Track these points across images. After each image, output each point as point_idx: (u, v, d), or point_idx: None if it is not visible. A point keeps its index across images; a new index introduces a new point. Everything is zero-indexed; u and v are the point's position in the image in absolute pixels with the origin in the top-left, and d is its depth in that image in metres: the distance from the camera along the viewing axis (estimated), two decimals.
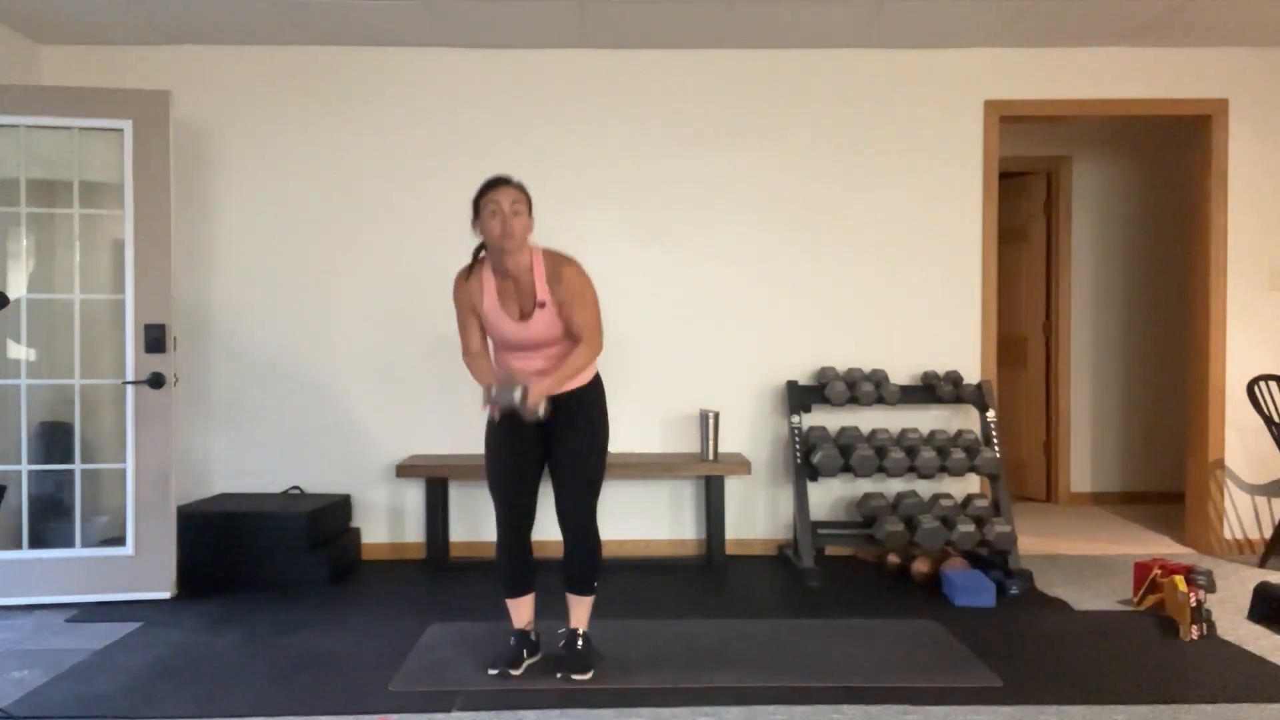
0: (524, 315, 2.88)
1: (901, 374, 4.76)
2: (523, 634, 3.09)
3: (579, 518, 2.97)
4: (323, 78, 4.66)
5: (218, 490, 4.67)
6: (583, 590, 3.03)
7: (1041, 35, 4.54)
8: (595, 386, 3.03)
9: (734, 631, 3.45)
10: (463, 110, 4.68)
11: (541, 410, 2.79)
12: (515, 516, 3.01)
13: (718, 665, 3.08)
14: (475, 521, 4.71)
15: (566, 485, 2.96)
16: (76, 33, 4.45)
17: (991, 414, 4.52)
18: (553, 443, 2.99)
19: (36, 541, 3.95)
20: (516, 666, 3.01)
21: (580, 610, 3.05)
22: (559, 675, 2.96)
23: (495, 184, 2.82)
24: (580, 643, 3.02)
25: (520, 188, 2.85)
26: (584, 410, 2.98)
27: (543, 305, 2.85)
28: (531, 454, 3.01)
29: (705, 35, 4.50)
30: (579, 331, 2.88)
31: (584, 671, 2.95)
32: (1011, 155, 6.03)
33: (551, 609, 3.62)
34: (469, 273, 2.95)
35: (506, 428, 2.97)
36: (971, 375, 4.76)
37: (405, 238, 4.68)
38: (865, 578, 4.28)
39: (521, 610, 3.09)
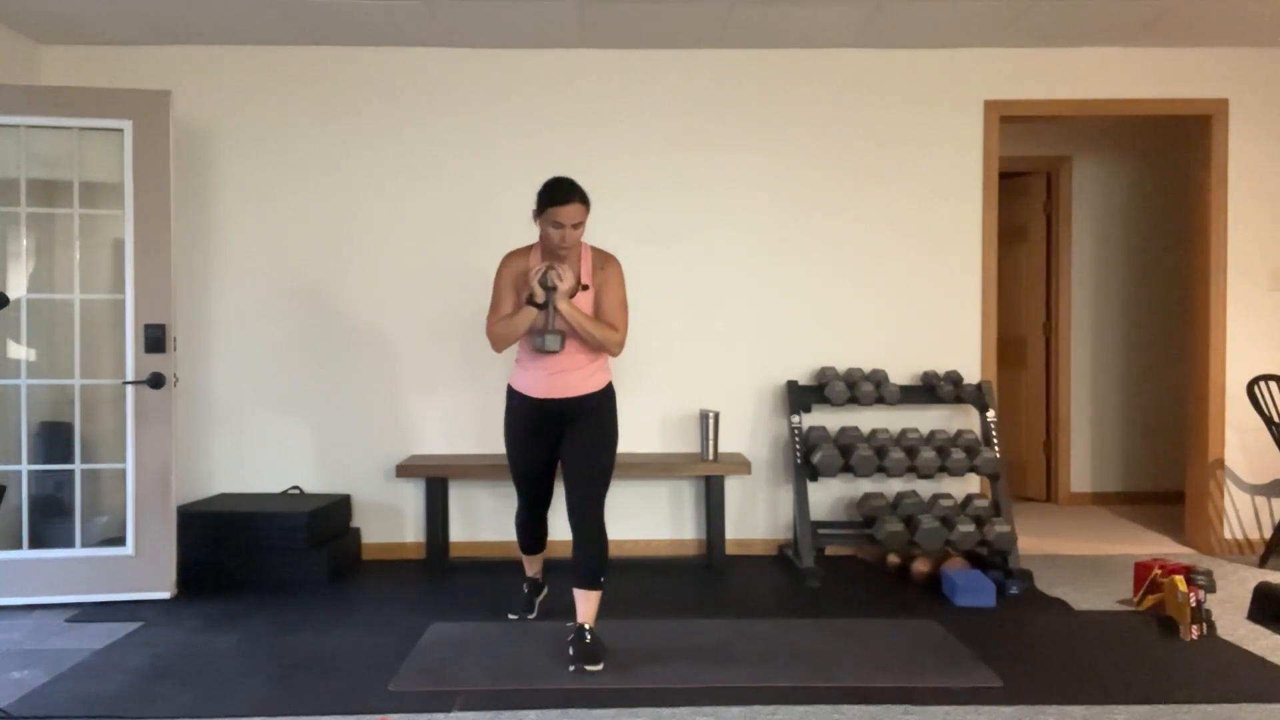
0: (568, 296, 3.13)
1: (901, 374, 4.76)
2: (534, 580, 3.66)
3: (589, 514, 3.17)
4: (323, 78, 4.66)
5: (218, 490, 4.67)
6: (591, 585, 3.17)
7: (1041, 35, 4.54)
8: (608, 394, 3.28)
9: (734, 631, 3.45)
10: (462, 110, 4.68)
11: (554, 279, 3.01)
12: (535, 501, 3.42)
13: (718, 665, 3.08)
14: (475, 521, 4.71)
15: (577, 481, 3.18)
16: (76, 33, 4.44)
17: (991, 414, 4.52)
18: (565, 440, 3.22)
19: (36, 541, 3.94)
20: (531, 610, 3.62)
21: (586, 606, 3.17)
22: (571, 668, 3.05)
23: (563, 199, 3.01)
24: (588, 637, 3.11)
25: (584, 201, 3.06)
26: (596, 412, 3.24)
27: (585, 288, 3.16)
28: (548, 444, 3.29)
29: (705, 35, 4.50)
30: (606, 316, 3.16)
31: (595, 663, 3.07)
32: (1011, 155, 6.03)
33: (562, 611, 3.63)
34: (525, 252, 3.22)
35: (524, 422, 3.26)
36: (971, 375, 4.76)
37: (404, 237, 4.68)
38: (865, 578, 4.28)
39: (534, 563, 3.64)
